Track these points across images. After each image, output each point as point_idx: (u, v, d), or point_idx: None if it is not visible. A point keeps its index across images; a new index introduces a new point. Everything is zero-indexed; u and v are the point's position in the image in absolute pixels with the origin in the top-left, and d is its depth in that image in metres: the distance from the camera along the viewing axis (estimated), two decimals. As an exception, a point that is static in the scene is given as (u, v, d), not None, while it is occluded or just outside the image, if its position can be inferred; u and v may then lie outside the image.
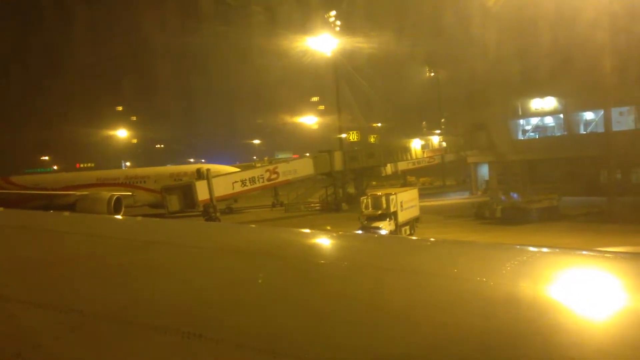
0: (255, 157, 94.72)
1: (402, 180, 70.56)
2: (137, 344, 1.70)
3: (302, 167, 45.20)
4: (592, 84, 34.59)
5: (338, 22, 49.45)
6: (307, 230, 3.40)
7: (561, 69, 38.64)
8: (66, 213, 5.06)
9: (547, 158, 43.02)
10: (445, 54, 61.57)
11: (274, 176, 42.61)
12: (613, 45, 33.24)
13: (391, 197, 28.84)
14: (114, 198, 42.60)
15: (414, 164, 62.39)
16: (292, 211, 47.53)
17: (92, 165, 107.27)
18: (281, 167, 43.79)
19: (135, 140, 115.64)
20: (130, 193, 45.75)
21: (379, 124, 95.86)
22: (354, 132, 50.66)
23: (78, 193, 43.83)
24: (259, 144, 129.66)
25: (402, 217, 29.73)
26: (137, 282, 2.33)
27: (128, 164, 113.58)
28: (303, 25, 47.64)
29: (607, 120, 35.36)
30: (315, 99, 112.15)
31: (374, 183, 64.18)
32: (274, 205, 49.90)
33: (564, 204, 34.92)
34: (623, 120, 41.95)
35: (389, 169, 58.13)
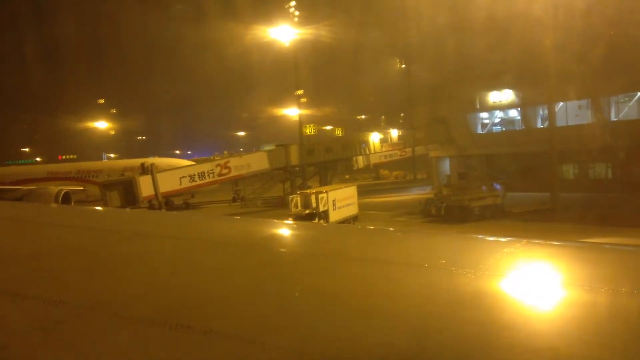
0: (242, 149, 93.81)
1: (374, 173, 69.53)
2: (125, 336, 1.63)
3: (256, 161, 44.01)
4: (545, 77, 33.24)
5: (297, 13, 48.02)
6: (288, 222, 3.51)
7: (517, 62, 37.34)
8: (53, 204, 4.66)
9: (506, 152, 41.72)
10: (408, 47, 60.27)
11: (225, 171, 41.44)
12: (566, 38, 32.06)
13: (321, 195, 27.79)
14: (62, 193, 41.42)
15: (386, 157, 61.18)
16: (250, 207, 46.46)
17: (75, 157, 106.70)
18: (233, 162, 42.58)
19: (113, 132, 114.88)
20: (81, 187, 44.55)
21: (363, 116, 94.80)
22: (311, 125, 49.18)
23: (25, 188, 42.63)
24: (244, 136, 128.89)
25: (335, 216, 28.64)
26: (124, 273, 2.31)
27: (112, 155, 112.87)
28: (290, 19, 46.10)
29: (550, 113, 34.08)
30: (300, 91, 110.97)
31: (347, 177, 63.20)
32: (234, 200, 48.83)
33: (513, 201, 33.81)
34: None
35: (361, 162, 56.96)
